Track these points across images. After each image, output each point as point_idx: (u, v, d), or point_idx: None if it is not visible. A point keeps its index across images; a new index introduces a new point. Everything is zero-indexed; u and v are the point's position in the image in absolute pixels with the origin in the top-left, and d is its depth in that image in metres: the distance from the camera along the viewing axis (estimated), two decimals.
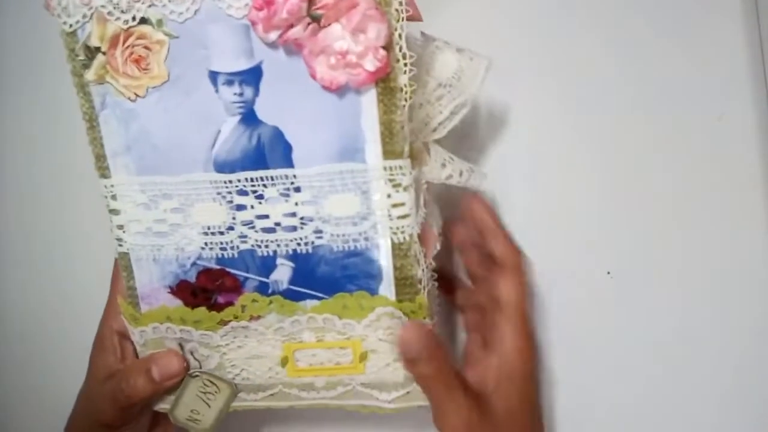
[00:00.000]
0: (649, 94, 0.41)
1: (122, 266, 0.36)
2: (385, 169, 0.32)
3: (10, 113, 0.48)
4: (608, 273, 0.42)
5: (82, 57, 0.32)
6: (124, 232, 0.35)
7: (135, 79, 0.32)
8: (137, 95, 0.32)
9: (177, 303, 0.36)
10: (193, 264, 0.35)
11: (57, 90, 0.47)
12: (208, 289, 0.35)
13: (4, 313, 0.48)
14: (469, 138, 0.43)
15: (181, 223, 0.34)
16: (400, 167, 0.32)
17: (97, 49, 0.32)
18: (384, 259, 0.34)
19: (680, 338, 0.41)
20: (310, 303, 0.35)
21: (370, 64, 0.30)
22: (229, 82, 0.32)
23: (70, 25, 0.32)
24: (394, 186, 0.33)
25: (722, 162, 0.40)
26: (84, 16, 0.31)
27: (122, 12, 0.31)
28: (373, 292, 0.35)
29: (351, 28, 0.29)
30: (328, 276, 0.35)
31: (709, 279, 0.40)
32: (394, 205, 0.33)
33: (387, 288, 0.34)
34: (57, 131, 0.48)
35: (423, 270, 0.35)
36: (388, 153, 0.32)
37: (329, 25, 0.29)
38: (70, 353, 0.42)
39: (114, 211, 0.35)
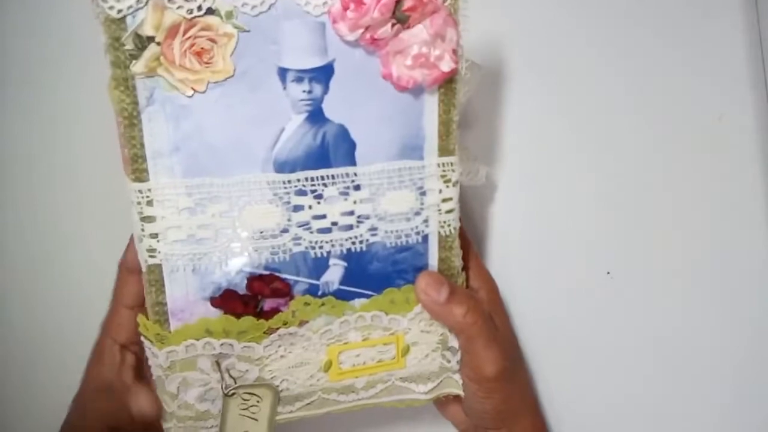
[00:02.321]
0: (650, 95, 0.41)
1: (150, 280, 0.32)
2: (438, 165, 0.35)
3: (11, 114, 0.44)
4: (608, 273, 0.42)
5: (130, 47, 0.29)
6: (158, 241, 0.32)
7: (194, 72, 0.30)
8: (195, 90, 0.30)
9: (217, 315, 0.33)
10: (239, 271, 0.33)
11: (57, 90, 0.43)
12: (262, 295, 0.34)
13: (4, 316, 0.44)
14: (469, 137, 0.44)
15: (229, 228, 0.32)
16: (451, 164, 0.35)
17: (150, 39, 0.29)
18: (431, 253, 0.36)
19: (680, 338, 0.41)
20: (359, 302, 0.35)
21: (446, 66, 0.32)
22: (299, 80, 0.31)
23: (119, 11, 0.29)
24: (445, 182, 0.35)
25: (722, 162, 0.40)
26: (138, 2, 0.29)
27: (185, 0, 0.29)
28: None
29: (433, 31, 0.31)
30: (379, 272, 0.35)
31: (709, 279, 0.41)
32: (444, 200, 0.35)
33: None
34: (56, 133, 0.44)
35: (460, 259, 0.37)
36: (443, 150, 0.34)
37: (413, 26, 0.31)
38: (69, 359, 0.38)
39: (148, 219, 0.32)
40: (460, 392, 0.38)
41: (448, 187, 0.35)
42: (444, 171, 0.35)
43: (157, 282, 0.33)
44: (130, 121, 0.30)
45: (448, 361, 0.38)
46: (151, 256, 0.32)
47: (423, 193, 0.35)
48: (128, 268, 0.34)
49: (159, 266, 0.32)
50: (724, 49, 0.40)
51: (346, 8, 0.30)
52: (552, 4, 0.43)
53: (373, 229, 0.34)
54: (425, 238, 0.35)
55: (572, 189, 0.43)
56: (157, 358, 0.33)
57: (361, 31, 0.30)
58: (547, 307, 0.43)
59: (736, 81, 0.40)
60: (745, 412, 0.40)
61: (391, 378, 0.38)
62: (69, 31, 0.42)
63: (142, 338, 0.33)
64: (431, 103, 0.33)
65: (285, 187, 0.32)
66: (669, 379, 0.41)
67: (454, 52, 0.32)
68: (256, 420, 0.35)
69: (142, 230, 0.32)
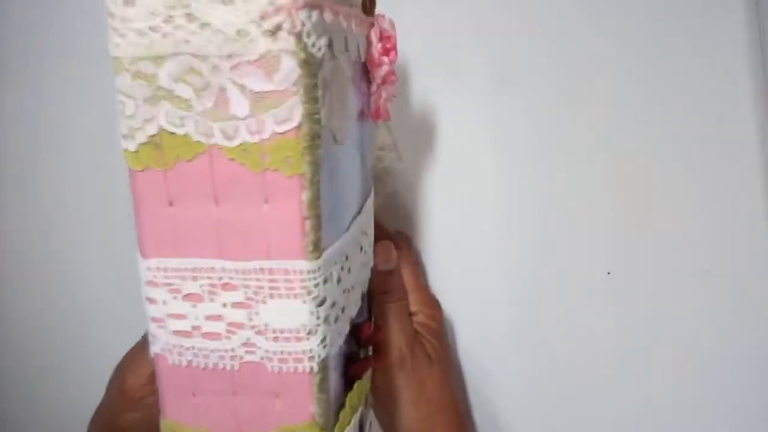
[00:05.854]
0: (649, 94, 0.41)
1: (317, 381, 0.26)
2: None
3: (11, 114, 0.45)
4: (608, 273, 0.42)
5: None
6: (320, 326, 0.26)
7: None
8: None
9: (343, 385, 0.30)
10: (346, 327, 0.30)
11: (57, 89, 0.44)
12: (371, 343, 0.32)
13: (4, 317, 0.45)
14: (468, 136, 0.43)
15: (351, 284, 0.29)
16: None
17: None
18: None
19: (680, 338, 0.41)
20: None
21: None
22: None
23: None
24: None
25: (722, 162, 0.39)
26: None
27: None
28: None
29: None
30: None
31: (709, 279, 0.40)
32: None
33: None
34: (60, 130, 0.44)
35: None
36: None
37: None
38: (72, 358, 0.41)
39: (321, 303, 0.25)
40: None
41: None
42: None
43: (323, 380, 0.26)
44: (315, 185, 0.24)
45: None
46: (322, 351, 0.26)
47: None
48: None
49: (325, 359, 0.26)
50: (724, 49, 0.39)
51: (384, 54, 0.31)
52: (550, 4, 0.42)
53: None
54: None
55: (572, 189, 0.43)
56: None
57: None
58: (547, 307, 0.43)
59: (736, 81, 0.39)
60: (746, 413, 0.40)
61: None
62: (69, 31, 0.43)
63: None
64: None
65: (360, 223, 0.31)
66: (669, 380, 0.41)
67: None
68: None
69: (318, 318, 0.25)
